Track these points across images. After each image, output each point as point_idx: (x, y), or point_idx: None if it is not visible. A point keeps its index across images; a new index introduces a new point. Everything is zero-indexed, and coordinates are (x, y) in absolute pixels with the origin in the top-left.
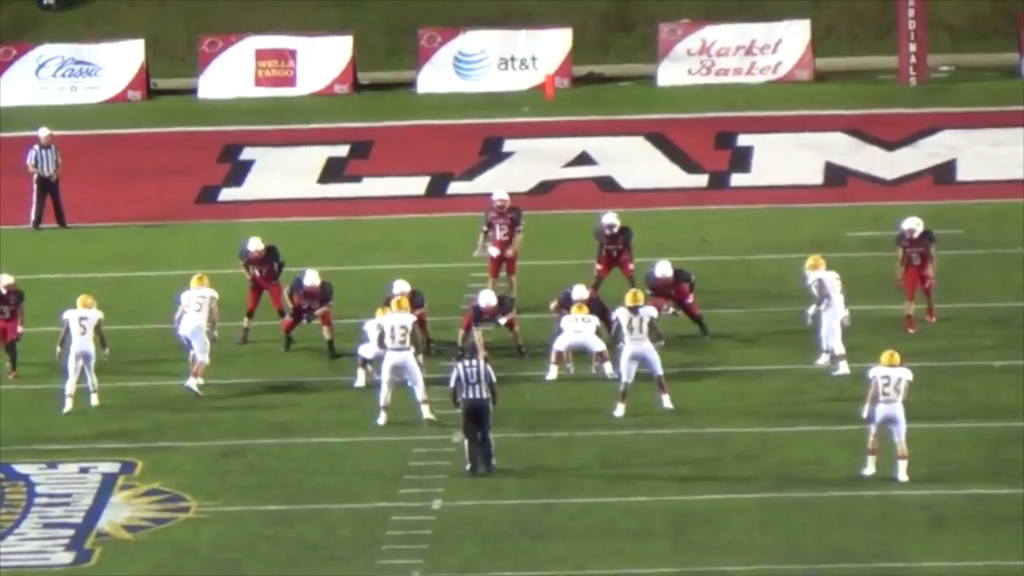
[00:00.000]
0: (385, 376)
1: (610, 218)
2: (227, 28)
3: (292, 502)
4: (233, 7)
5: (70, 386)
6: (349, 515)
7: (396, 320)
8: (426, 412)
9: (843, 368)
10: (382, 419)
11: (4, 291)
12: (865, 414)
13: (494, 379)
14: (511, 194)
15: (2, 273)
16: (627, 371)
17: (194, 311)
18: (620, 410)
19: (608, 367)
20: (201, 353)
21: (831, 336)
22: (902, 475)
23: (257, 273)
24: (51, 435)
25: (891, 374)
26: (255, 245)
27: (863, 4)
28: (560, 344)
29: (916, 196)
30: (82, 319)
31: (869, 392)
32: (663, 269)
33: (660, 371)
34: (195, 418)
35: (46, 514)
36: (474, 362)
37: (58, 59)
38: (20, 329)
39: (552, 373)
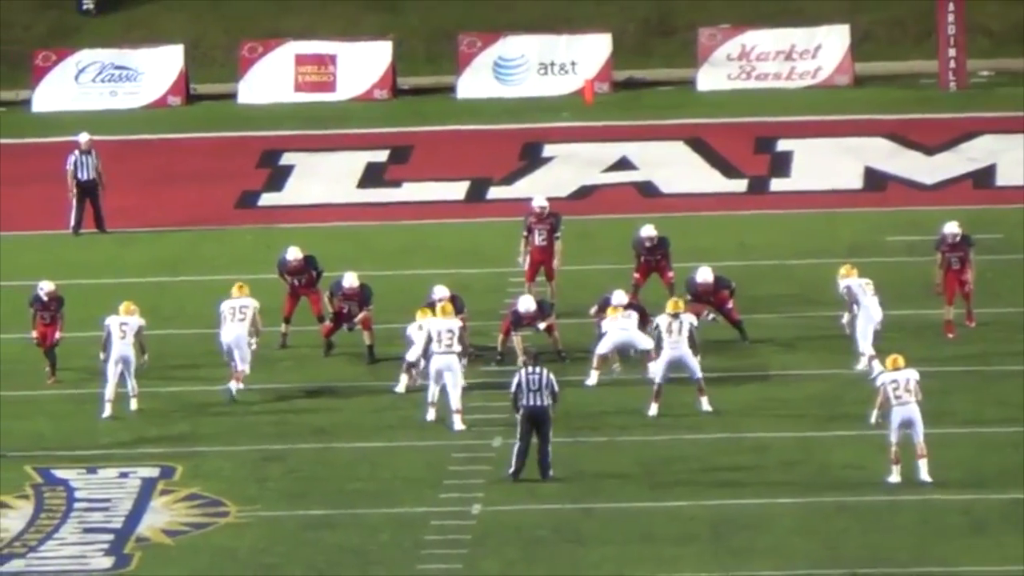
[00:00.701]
0: (432, 378)
1: (648, 230)
2: (267, 33)
3: (331, 507)
4: (273, 12)
5: (109, 391)
6: (389, 520)
7: (443, 324)
8: (458, 422)
9: (878, 369)
10: (431, 415)
11: (45, 297)
12: (872, 420)
13: (556, 388)
14: (550, 199)
15: (43, 279)
16: (662, 373)
17: (238, 320)
18: (654, 409)
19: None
20: (242, 362)
21: (863, 340)
22: (924, 475)
23: (296, 283)
24: (90, 440)
25: (898, 377)
26: (294, 255)
27: (902, 9)
28: (604, 347)
29: (956, 201)
30: (123, 324)
31: (877, 399)
32: (704, 275)
33: (699, 374)
34: (234, 423)
35: (85, 519)
36: (537, 369)
37: (98, 64)
38: (60, 335)
39: (593, 378)
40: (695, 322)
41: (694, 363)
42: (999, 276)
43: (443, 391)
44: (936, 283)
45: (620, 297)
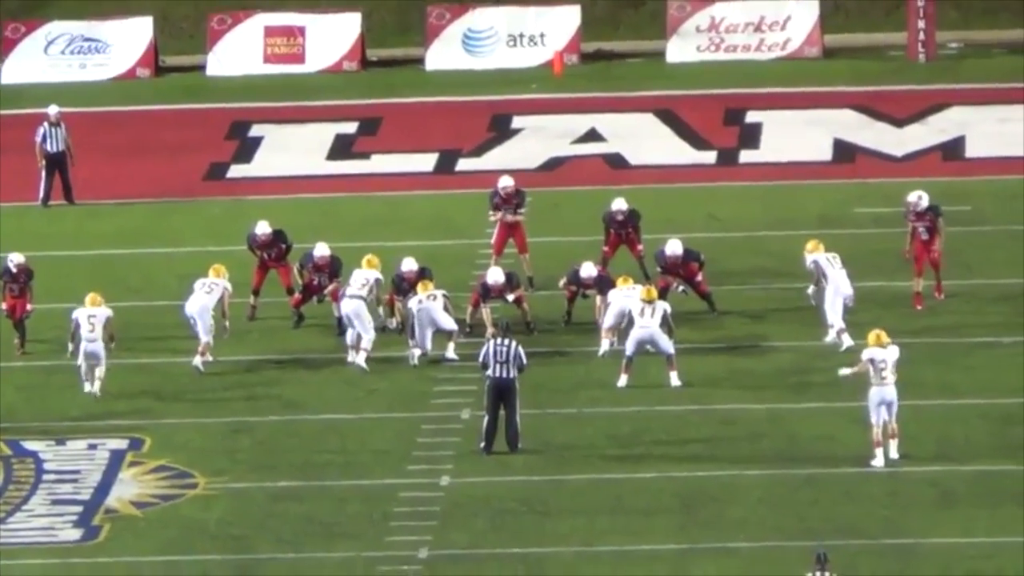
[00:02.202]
0: (345, 320)
1: (619, 203)
2: (236, 5)
3: (300, 479)
4: None
5: (85, 374)
6: (357, 492)
7: (360, 274)
8: (357, 357)
9: (847, 341)
10: (351, 356)
11: (15, 269)
12: (841, 374)
13: (524, 362)
14: (519, 171)
15: (12, 251)
16: (632, 349)
17: (203, 292)
18: (623, 380)
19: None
20: (205, 334)
21: (831, 312)
22: (893, 452)
23: (266, 256)
24: (59, 412)
25: (887, 356)
26: (263, 229)
27: None
28: (611, 319)
29: (925, 172)
30: (91, 317)
31: (857, 367)
32: (673, 248)
33: (671, 351)
34: (203, 395)
35: (54, 491)
36: (506, 341)
37: (67, 36)
38: (29, 307)
39: (605, 346)
40: (669, 309)
41: (666, 342)
42: (968, 248)
43: (397, 365)
44: (904, 249)
45: (588, 269)
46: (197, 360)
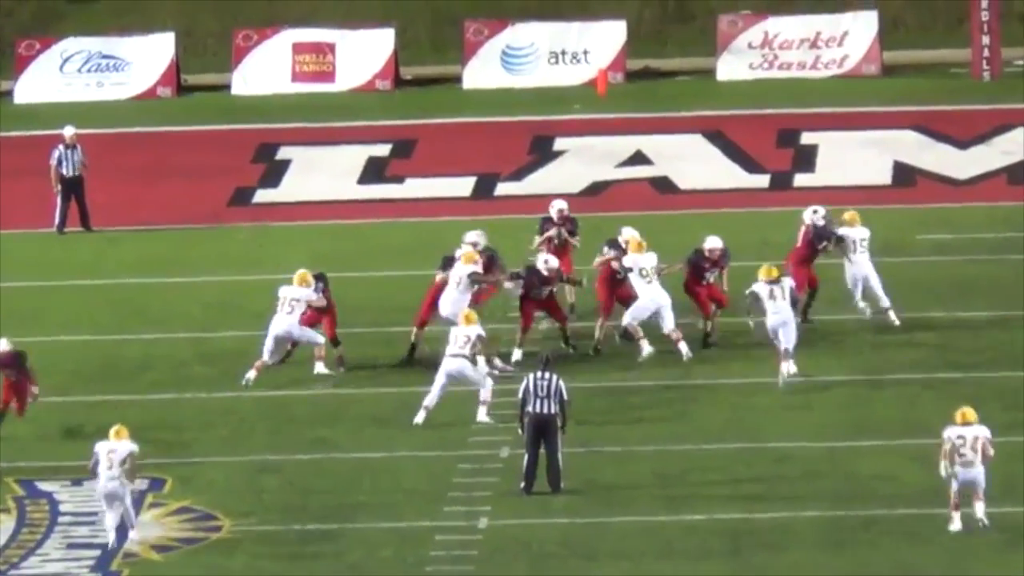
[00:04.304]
0: (439, 378)
1: (714, 241)
2: (263, 20)
3: (331, 521)
4: None
5: (108, 522)
6: (391, 535)
7: (462, 331)
8: (482, 413)
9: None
10: (420, 416)
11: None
12: (942, 472)
13: (566, 396)
14: (561, 196)
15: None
16: (776, 338)
17: (285, 313)
18: (792, 367)
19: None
20: (315, 339)
21: (872, 290)
22: (980, 514)
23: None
24: (75, 451)
25: (966, 433)
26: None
27: None
28: (628, 317)
29: (989, 197)
30: (110, 452)
31: (942, 450)
32: (713, 242)
33: (793, 341)
34: (228, 432)
35: (70, 533)
36: (546, 375)
37: (84, 53)
38: (34, 390)
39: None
40: (793, 283)
41: (792, 331)
42: None
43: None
44: None
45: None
46: (320, 367)
